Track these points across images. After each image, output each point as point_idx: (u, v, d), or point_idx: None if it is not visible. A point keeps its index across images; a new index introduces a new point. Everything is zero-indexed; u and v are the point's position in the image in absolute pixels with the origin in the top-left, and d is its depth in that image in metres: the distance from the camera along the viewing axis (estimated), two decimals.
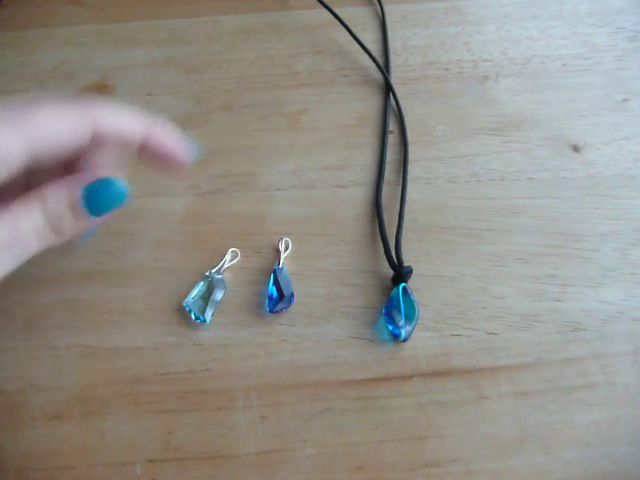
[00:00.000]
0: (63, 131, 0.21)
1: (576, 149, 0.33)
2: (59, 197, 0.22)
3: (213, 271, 0.29)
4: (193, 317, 0.28)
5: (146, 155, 0.24)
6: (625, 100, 0.35)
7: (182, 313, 0.28)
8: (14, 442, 0.25)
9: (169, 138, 0.24)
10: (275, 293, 0.28)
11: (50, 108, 0.21)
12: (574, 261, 0.29)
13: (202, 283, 0.28)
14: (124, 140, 0.23)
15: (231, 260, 0.30)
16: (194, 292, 0.28)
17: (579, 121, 0.35)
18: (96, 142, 0.22)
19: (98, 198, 0.23)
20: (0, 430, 0.26)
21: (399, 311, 0.27)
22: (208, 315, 0.28)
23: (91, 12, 0.43)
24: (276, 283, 0.28)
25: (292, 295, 0.28)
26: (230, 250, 0.30)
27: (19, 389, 0.27)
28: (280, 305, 0.28)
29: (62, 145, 0.21)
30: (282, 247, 0.30)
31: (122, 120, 0.23)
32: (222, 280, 0.29)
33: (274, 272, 0.29)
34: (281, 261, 0.29)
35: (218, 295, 0.28)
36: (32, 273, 0.30)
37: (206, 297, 0.28)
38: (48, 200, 0.22)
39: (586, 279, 0.29)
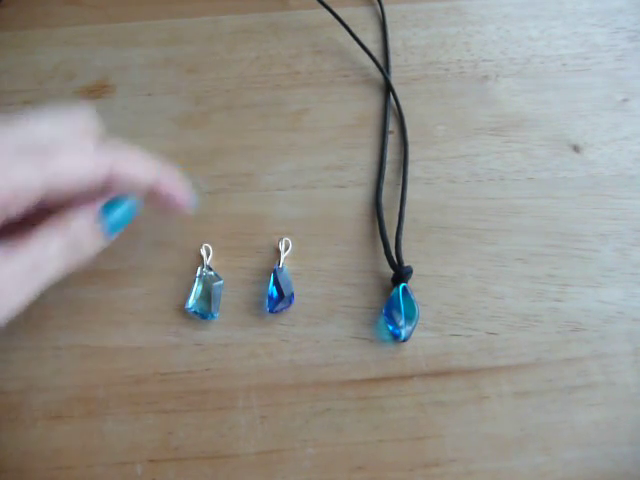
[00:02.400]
0: (81, 174, 0.22)
1: (576, 149, 0.33)
2: (80, 223, 0.24)
3: (203, 269, 0.29)
4: (201, 317, 0.28)
5: (153, 200, 0.26)
6: (625, 100, 0.35)
7: (182, 313, 0.28)
8: (14, 442, 0.25)
9: (175, 188, 0.27)
10: (275, 293, 0.28)
11: (73, 150, 0.23)
12: (574, 261, 0.29)
13: (197, 283, 0.28)
14: (134, 186, 0.25)
15: (208, 255, 0.30)
16: (193, 293, 0.28)
17: (579, 121, 0.35)
18: (109, 184, 0.24)
19: (114, 217, 0.25)
20: (0, 430, 0.26)
21: (399, 311, 0.27)
22: (215, 311, 0.28)
23: (91, 12, 0.43)
24: (276, 283, 0.28)
25: (292, 295, 0.28)
26: (203, 246, 0.30)
27: (19, 389, 0.27)
28: (280, 305, 0.28)
29: (77, 185, 0.23)
30: (282, 247, 0.30)
31: (136, 169, 0.25)
32: (215, 274, 0.29)
33: (274, 272, 0.29)
34: (281, 261, 0.29)
35: (217, 290, 0.28)
36: None
37: (205, 295, 0.28)
38: (71, 227, 0.23)
39: (586, 279, 0.29)
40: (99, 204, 0.25)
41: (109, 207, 0.25)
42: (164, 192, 0.26)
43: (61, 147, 0.23)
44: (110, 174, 0.24)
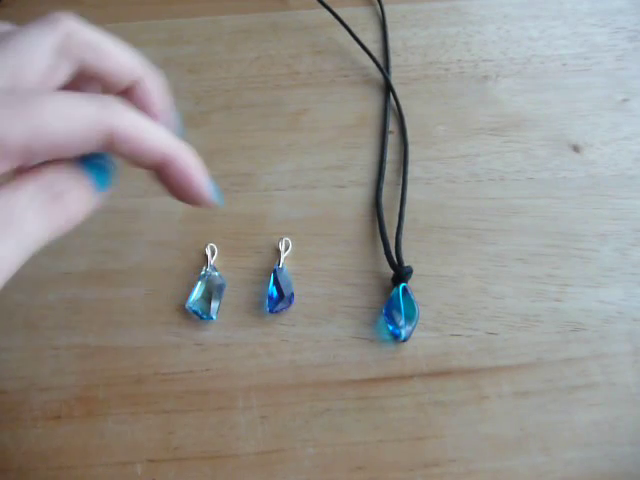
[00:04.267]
0: (71, 135, 0.18)
1: (576, 149, 0.33)
2: (58, 169, 0.19)
3: (207, 269, 0.29)
4: (199, 317, 0.28)
5: (162, 177, 0.21)
6: (625, 100, 0.35)
7: (182, 313, 0.28)
8: (15, 442, 0.25)
9: (194, 170, 0.21)
10: (275, 293, 0.28)
11: (63, 103, 0.18)
12: (574, 261, 0.29)
13: (200, 282, 0.28)
14: (141, 159, 0.20)
15: (213, 255, 0.30)
16: (194, 293, 0.28)
17: (579, 121, 0.35)
18: (105, 148, 0.19)
19: (97, 167, 0.20)
20: (1, 430, 0.26)
21: (399, 311, 0.27)
22: (214, 312, 0.28)
23: (91, 12, 0.43)
24: (276, 283, 0.28)
25: (292, 295, 0.28)
26: (208, 246, 0.30)
27: (20, 389, 0.27)
28: (280, 305, 0.28)
29: (65, 149, 0.18)
30: (282, 247, 0.30)
31: (144, 138, 0.19)
32: (219, 275, 0.29)
33: (274, 272, 0.29)
34: (281, 261, 0.29)
35: (219, 291, 0.28)
36: (32, 273, 0.30)
37: (207, 295, 0.28)
38: (46, 173, 0.18)
39: (586, 279, 0.29)
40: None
41: (88, 158, 0.20)
42: (180, 173, 0.21)
43: (50, 98, 0.17)
44: (110, 141, 0.18)
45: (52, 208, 0.18)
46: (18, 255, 0.18)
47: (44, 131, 0.17)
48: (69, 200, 0.19)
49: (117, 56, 0.22)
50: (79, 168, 0.20)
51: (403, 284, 0.27)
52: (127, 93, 0.23)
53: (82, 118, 0.18)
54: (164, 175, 0.21)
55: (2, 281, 0.18)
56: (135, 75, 0.22)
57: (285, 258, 0.30)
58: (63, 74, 0.20)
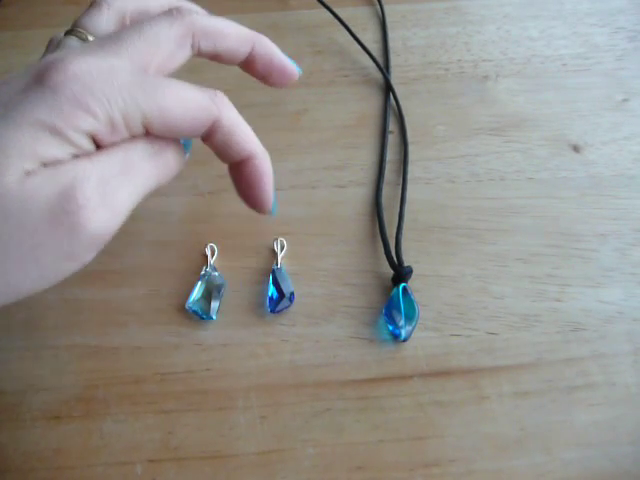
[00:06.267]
0: (185, 119, 0.20)
1: (576, 149, 0.33)
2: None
3: (207, 269, 0.29)
4: (199, 317, 0.28)
5: (237, 173, 0.24)
6: (625, 100, 0.35)
7: (182, 313, 0.28)
8: (14, 442, 0.25)
9: (268, 176, 0.24)
10: (275, 293, 0.28)
11: (182, 91, 0.20)
12: (574, 261, 0.29)
13: (200, 282, 0.28)
14: (229, 150, 0.23)
15: (213, 255, 0.30)
16: (194, 292, 0.28)
17: (579, 121, 0.35)
18: (207, 135, 0.21)
19: None
20: (0, 430, 0.26)
21: (399, 311, 0.27)
22: (214, 312, 0.28)
23: None
24: (275, 283, 0.28)
25: (292, 295, 0.28)
26: (208, 246, 0.30)
27: (19, 389, 0.27)
28: (280, 305, 0.28)
29: (177, 130, 0.20)
30: (277, 247, 0.30)
31: (240, 133, 0.22)
32: (219, 275, 0.29)
33: (272, 272, 0.29)
34: (278, 261, 0.29)
35: (219, 291, 0.28)
36: None
37: (207, 295, 0.28)
38: (147, 134, 0.21)
39: (586, 279, 0.29)
40: None
41: None
42: (256, 174, 0.23)
43: (169, 83, 0.20)
44: (214, 124, 0.21)
45: (158, 160, 0.21)
46: (132, 201, 0.20)
47: (165, 113, 0.19)
48: (168, 155, 0.21)
49: (231, 38, 0.24)
50: None
51: (403, 284, 0.27)
52: (245, 61, 0.25)
53: (196, 106, 0.20)
54: (240, 172, 0.23)
55: (118, 225, 0.19)
56: (249, 46, 0.24)
57: (283, 258, 0.30)
58: (182, 59, 0.23)
